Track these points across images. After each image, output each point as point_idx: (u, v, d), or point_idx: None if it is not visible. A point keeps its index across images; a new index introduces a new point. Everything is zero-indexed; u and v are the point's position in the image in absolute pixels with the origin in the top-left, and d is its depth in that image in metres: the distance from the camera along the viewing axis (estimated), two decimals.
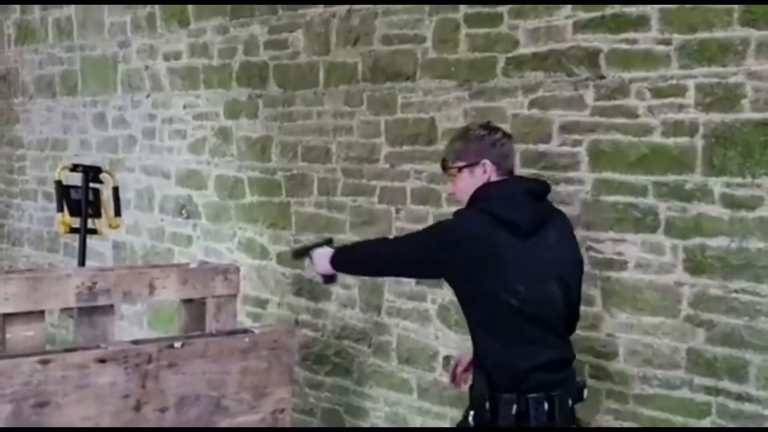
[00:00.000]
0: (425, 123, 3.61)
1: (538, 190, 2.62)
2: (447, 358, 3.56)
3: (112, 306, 2.80)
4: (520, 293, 2.45)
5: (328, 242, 3.07)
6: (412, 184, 3.67)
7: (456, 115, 3.49)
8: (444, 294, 3.55)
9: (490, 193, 2.56)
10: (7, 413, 2.29)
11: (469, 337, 3.45)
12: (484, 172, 2.61)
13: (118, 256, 5.20)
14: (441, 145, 3.54)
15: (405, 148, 3.69)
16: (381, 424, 3.84)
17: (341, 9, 3.90)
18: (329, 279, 2.99)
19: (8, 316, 2.55)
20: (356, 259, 2.85)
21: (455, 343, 3.52)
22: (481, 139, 2.63)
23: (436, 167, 3.54)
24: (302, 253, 3.08)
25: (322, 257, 2.90)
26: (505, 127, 3.29)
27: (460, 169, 2.64)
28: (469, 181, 2.62)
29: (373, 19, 3.77)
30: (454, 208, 3.49)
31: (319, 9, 3.99)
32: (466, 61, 3.43)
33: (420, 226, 3.63)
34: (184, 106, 4.74)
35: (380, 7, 3.74)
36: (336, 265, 2.87)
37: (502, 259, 2.45)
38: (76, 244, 5.32)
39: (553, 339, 2.54)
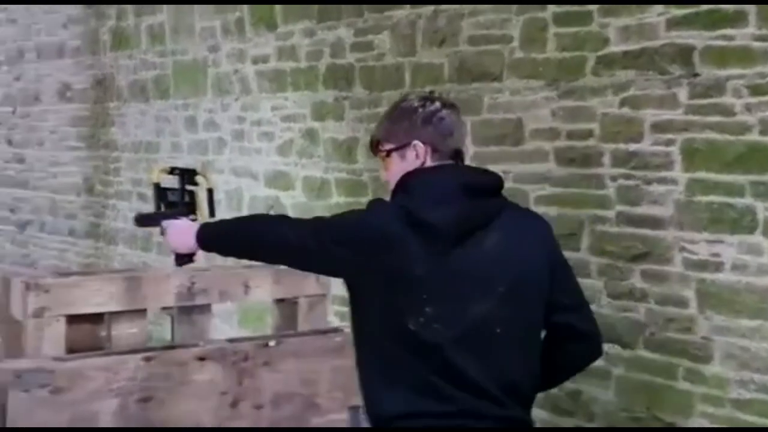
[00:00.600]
0: (512, 123, 3.60)
1: (481, 184, 2.04)
2: None
3: (209, 305, 2.89)
4: (424, 316, 1.91)
5: (187, 212, 2.54)
6: None
7: (544, 115, 3.46)
8: None
9: (411, 184, 2.01)
10: (114, 407, 2.39)
11: None
12: (417, 156, 2.04)
13: (209, 255, 5.33)
14: (528, 146, 3.53)
15: (491, 148, 3.68)
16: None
17: (427, 10, 3.92)
18: (184, 259, 2.38)
19: (113, 314, 2.66)
20: (235, 237, 2.23)
21: None
22: (413, 113, 2.07)
23: (523, 167, 3.54)
24: (152, 220, 2.52)
25: (183, 232, 2.33)
26: (595, 126, 3.29)
27: (388, 152, 2.08)
28: (400, 167, 2.07)
29: (460, 19, 3.78)
30: (543, 209, 3.48)
31: (405, 10, 4.02)
32: (554, 61, 3.41)
33: None
34: (272, 109, 4.83)
35: (467, 8, 3.74)
36: (204, 241, 2.26)
37: (407, 270, 1.91)
38: None
39: (458, 383, 1.91)
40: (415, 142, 2.04)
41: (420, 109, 2.07)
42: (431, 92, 2.32)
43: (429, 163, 2.05)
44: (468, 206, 1.98)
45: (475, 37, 3.72)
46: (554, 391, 3.42)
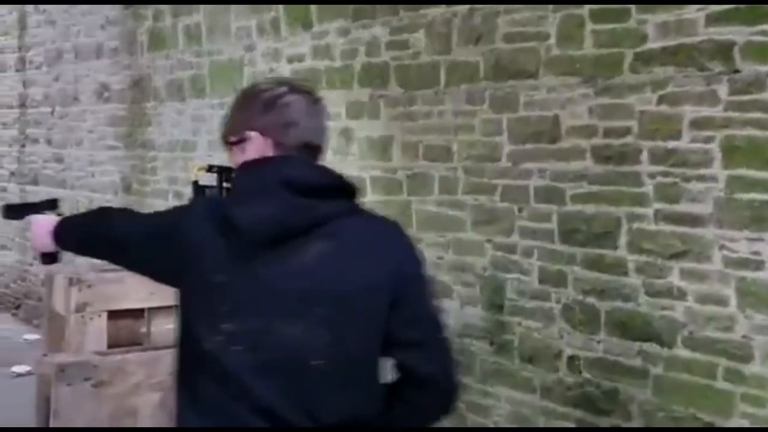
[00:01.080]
0: (548, 121, 3.58)
1: (309, 182, 1.68)
2: (572, 358, 3.52)
3: None
4: (222, 334, 1.63)
5: (52, 204, 2.27)
6: (535, 182, 3.65)
7: (581, 112, 3.45)
8: (568, 293, 3.51)
9: (234, 179, 1.78)
10: (155, 402, 2.42)
11: (593, 337, 3.44)
12: (258, 150, 1.74)
13: None
14: (565, 143, 3.52)
15: (528, 146, 3.67)
16: (502, 422, 3.84)
17: (462, 8, 3.91)
18: (49, 258, 2.13)
19: (152, 311, 2.70)
20: (79, 233, 2.00)
21: (581, 342, 3.48)
22: (253, 100, 1.76)
23: (561, 165, 3.53)
24: (17, 212, 2.32)
25: (42, 228, 2.07)
26: (632, 124, 3.27)
27: (231, 145, 1.79)
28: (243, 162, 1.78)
29: (495, 17, 3.77)
30: (580, 207, 3.47)
31: (441, 9, 4.02)
32: (591, 58, 3.39)
33: (544, 226, 3.64)
34: None
35: (502, 5, 3.73)
36: (59, 238, 2.04)
37: (208, 276, 1.66)
38: None
39: (264, 418, 1.61)
40: (252, 133, 1.73)
41: (262, 95, 1.75)
42: (289, 79, 1.87)
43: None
44: (287, 207, 1.64)
45: (511, 35, 3.71)
46: (590, 389, 3.42)
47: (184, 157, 5.87)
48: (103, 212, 2.03)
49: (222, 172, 3.80)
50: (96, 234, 1.89)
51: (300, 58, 4.89)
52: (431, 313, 1.78)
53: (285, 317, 1.61)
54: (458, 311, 4.02)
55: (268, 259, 1.62)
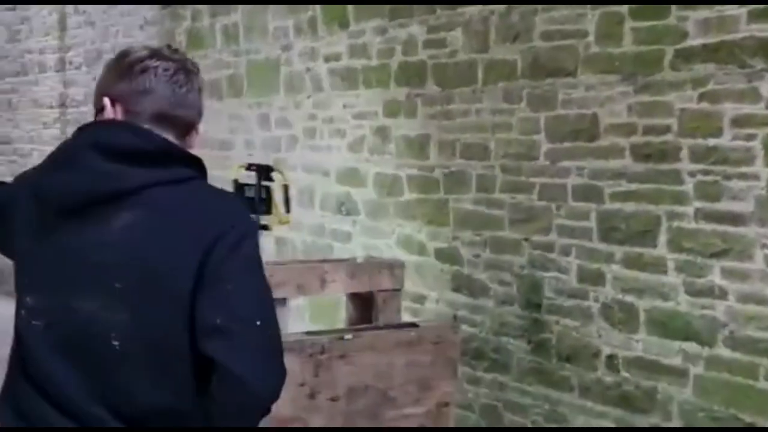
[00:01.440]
0: (587, 119, 3.57)
1: (124, 146, 1.50)
2: (610, 357, 3.51)
3: (285, 299, 2.94)
4: (25, 307, 1.53)
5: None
6: (573, 180, 3.63)
7: (620, 110, 3.43)
8: (607, 292, 3.50)
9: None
10: None
11: (632, 336, 3.42)
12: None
13: (281, 251, 5.42)
14: (604, 141, 3.50)
15: (566, 144, 3.66)
16: (541, 421, 3.83)
17: (500, 6, 3.91)
18: None
19: None
20: None
21: (620, 341, 3.46)
22: (114, 65, 1.60)
23: (599, 163, 3.51)
24: None
25: None
26: (672, 121, 3.25)
27: (96, 113, 1.62)
28: None
29: (533, 15, 3.76)
30: (619, 205, 3.45)
31: (478, 7, 4.02)
32: (631, 55, 3.37)
33: (582, 224, 3.62)
34: (344, 106, 4.88)
35: (540, 4, 3.72)
36: None
37: (18, 248, 1.57)
38: None
39: (52, 400, 1.48)
40: (105, 100, 1.56)
41: (123, 60, 1.58)
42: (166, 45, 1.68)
43: None
44: (93, 173, 1.49)
45: (549, 33, 3.70)
46: (629, 387, 3.41)
47: (222, 156, 5.92)
48: None
49: (261, 170, 3.84)
50: None
51: (337, 57, 4.92)
52: (246, 299, 1.49)
53: (83, 292, 1.48)
54: (495, 309, 4.02)
55: (72, 230, 1.49)
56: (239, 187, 3.81)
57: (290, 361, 2.62)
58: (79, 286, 1.48)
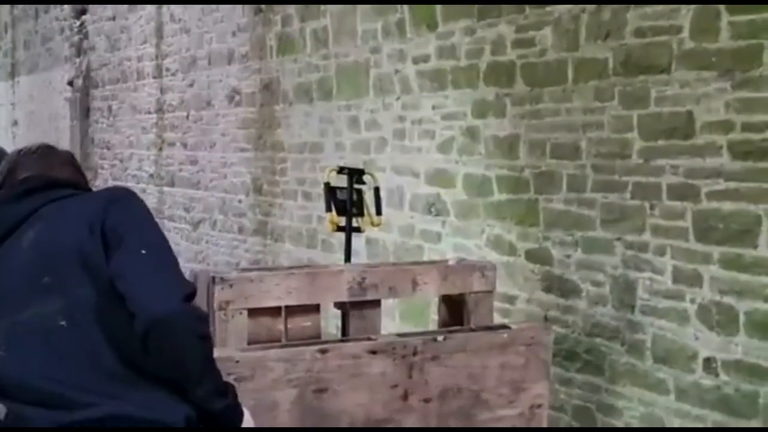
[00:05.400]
0: (682, 116, 3.49)
1: (23, 187, 2.01)
2: (708, 360, 3.42)
3: (378, 300, 2.98)
4: None
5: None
6: (667, 179, 3.56)
7: (716, 107, 3.34)
8: (704, 293, 3.41)
9: None
10: (293, 397, 2.52)
11: (731, 339, 3.32)
12: None
13: (371, 252, 5.48)
14: (699, 140, 3.42)
15: (660, 142, 3.59)
16: (635, 424, 3.77)
17: (591, 5, 3.86)
18: None
19: (289, 308, 2.80)
20: None
21: (717, 345, 3.37)
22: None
23: (694, 162, 3.44)
24: None
25: None
26: None
27: None
28: None
29: (625, 12, 3.70)
30: (716, 204, 3.36)
31: (568, 6, 3.97)
32: (728, 51, 3.28)
33: (677, 224, 3.55)
34: (433, 107, 4.90)
35: (632, 3, 3.66)
36: None
37: None
38: (333, 240, 5.68)
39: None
40: None
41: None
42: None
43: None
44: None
45: (641, 29, 3.63)
46: (729, 391, 3.32)
47: (312, 158, 6.02)
48: None
49: (353, 173, 3.90)
50: None
51: (425, 59, 4.94)
52: (131, 238, 1.83)
53: (24, 299, 1.82)
54: (587, 310, 3.97)
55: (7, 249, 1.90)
56: (330, 190, 3.88)
57: (382, 363, 2.67)
58: (14, 306, 1.82)
